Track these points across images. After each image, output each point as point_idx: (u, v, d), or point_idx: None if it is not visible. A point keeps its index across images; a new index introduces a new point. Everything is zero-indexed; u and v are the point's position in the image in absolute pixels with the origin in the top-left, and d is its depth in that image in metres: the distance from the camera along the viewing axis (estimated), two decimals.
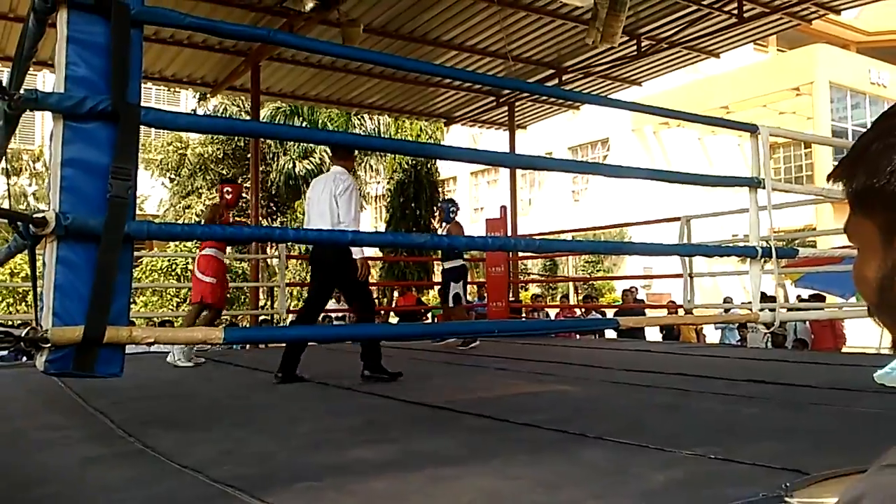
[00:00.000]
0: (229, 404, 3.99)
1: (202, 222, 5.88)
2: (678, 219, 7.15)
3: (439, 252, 8.29)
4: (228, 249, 6.46)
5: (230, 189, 6.20)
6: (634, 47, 9.89)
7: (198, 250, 6.15)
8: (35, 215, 1.74)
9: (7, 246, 2.12)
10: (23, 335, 1.71)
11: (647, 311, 11.05)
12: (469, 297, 14.97)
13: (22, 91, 1.75)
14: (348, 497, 1.96)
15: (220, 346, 5.75)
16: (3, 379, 4.99)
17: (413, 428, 3.05)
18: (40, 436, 2.97)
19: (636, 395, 3.89)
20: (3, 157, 2.28)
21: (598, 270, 22.61)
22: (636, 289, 11.95)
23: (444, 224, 7.10)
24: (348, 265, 4.51)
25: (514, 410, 3.28)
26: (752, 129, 3.38)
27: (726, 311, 8.65)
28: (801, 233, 13.42)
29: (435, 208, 17.56)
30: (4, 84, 1.76)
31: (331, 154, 5.06)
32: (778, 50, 23.28)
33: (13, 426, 3.22)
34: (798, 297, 9.08)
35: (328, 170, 5.03)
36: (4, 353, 6.47)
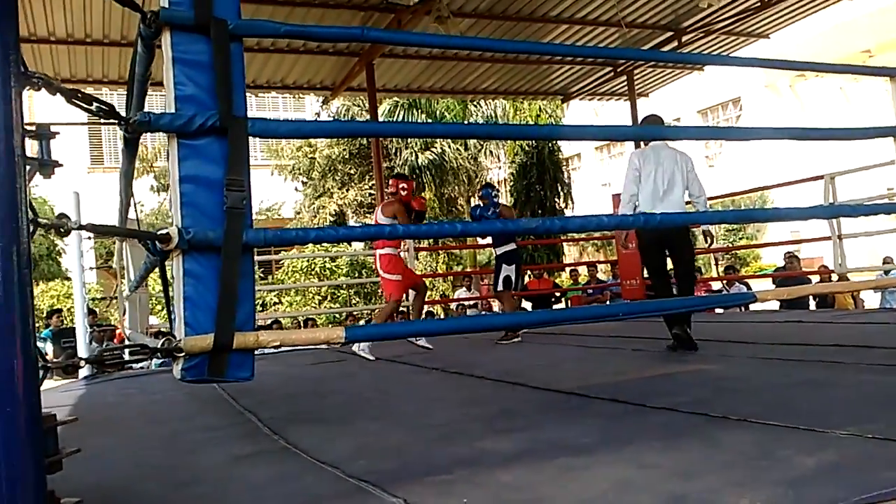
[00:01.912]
0: (369, 398, 4.09)
1: (385, 217, 6.04)
2: (822, 177, 6.65)
3: (564, 234, 8.08)
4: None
5: (405, 185, 6.27)
6: None
7: (374, 250, 6.44)
8: (159, 232, 1.83)
9: (144, 263, 2.25)
10: (158, 346, 1.80)
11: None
12: (604, 276, 14.74)
13: (136, 115, 1.84)
14: (477, 489, 1.94)
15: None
16: (164, 384, 5.37)
17: (545, 416, 3.00)
18: (194, 437, 3.16)
19: (784, 371, 3.63)
20: (132, 178, 2.43)
21: (740, 239, 21.52)
22: (795, 254, 10.97)
23: (492, 211, 6.64)
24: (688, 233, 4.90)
25: (651, 393, 3.15)
26: (891, 72, 3.05)
27: (886, 272, 7.95)
28: None
29: (560, 189, 17.32)
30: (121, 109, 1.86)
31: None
32: None
33: (171, 428, 3.44)
34: None
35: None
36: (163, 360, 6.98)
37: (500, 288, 6.78)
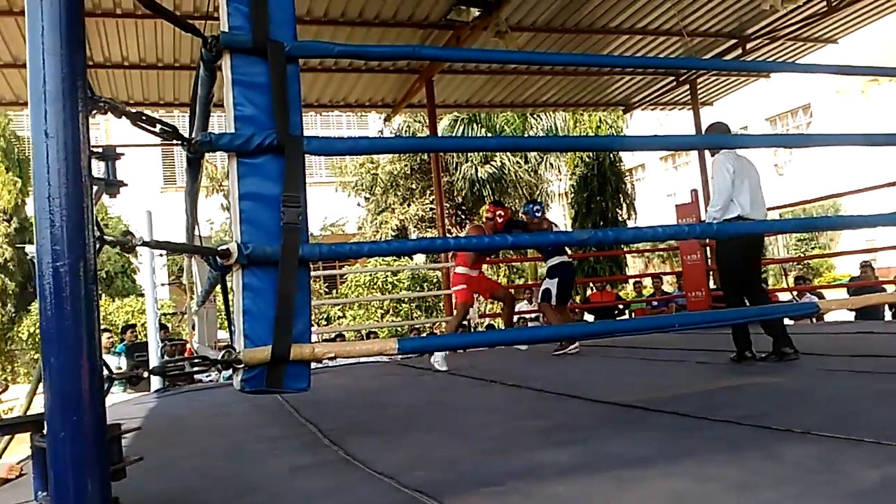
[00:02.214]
0: (426, 409, 4.12)
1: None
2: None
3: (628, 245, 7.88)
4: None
5: (502, 213, 6.34)
6: (824, 2, 8.99)
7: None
8: (220, 248, 1.90)
9: (208, 278, 2.33)
10: (219, 358, 1.87)
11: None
12: (670, 288, 14.45)
13: (198, 136, 1.92)
14: (530, 501, 1.95)
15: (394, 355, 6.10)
16: (231, 396, 5.52)
17: (602, 428, 2.97)
18: (256, 447, 3.24)
19: (852, 384, 3.51)
20: (197, 197, 2.53)
21: (812, 248, 20.82)
22: (870, 263, 10.51)
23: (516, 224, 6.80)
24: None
25: (713, 406, 3.09)
26: None
27: None
28: None
29: (623, 200, 17.08)
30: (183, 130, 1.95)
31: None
32: None
33: (233, 439, 3.55)
34: None
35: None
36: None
37: (539, 300, 6.85)
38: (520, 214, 7.51)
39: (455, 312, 6.53)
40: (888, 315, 9.05)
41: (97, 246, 1.58)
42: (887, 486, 1.73)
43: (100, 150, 1.69)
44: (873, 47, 16.72)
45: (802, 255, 18.90)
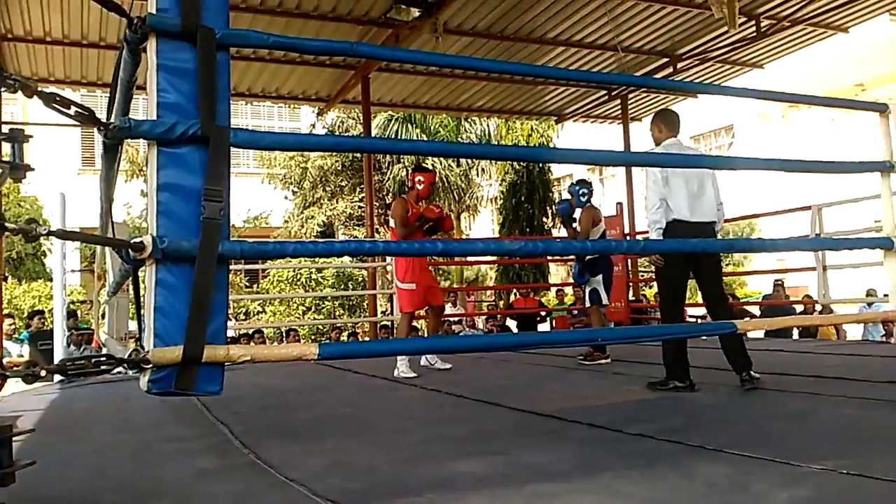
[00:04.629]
0: (344, 413, 4.05)
1: (391, 217, 5.57)
2: (810, 208, 6.68)
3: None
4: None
5: (422, 178, 5.51)
6: (754, 28, 9.35)
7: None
8: (133, 240, 1.80)
9: (119, 269, 2.21)
10: (125, 357, 1.76)
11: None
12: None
13: (117, 121, 1.81)
14: None
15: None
16: (139, 391, 5.29)
17: (519, 438, 2.98)
18: (163, 448, 3.11)
19: (763, 401, 3.63)
20: (113, 184, 2.40)
21: (726, 265, 21.61)
22: (782, 283, 10.93)
23: (577, 209, 6.01)
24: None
25: (628, 419, 3.14)
26: (880, 108, 3.08)
27: (869, 304, 7.99)
28: None
29: (548, 208, 17.31)
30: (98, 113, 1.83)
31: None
32: None
33: (138, 438, 3.39)
34: None
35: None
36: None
37: (587, 304, 6.02)
38: (563, 194, 6.39)
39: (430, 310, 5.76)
40: (795, 333, 9.46)
41: None
42: None
43: (6, 132, 1.57)
44: (792, 74, 17.47)
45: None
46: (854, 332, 10.74)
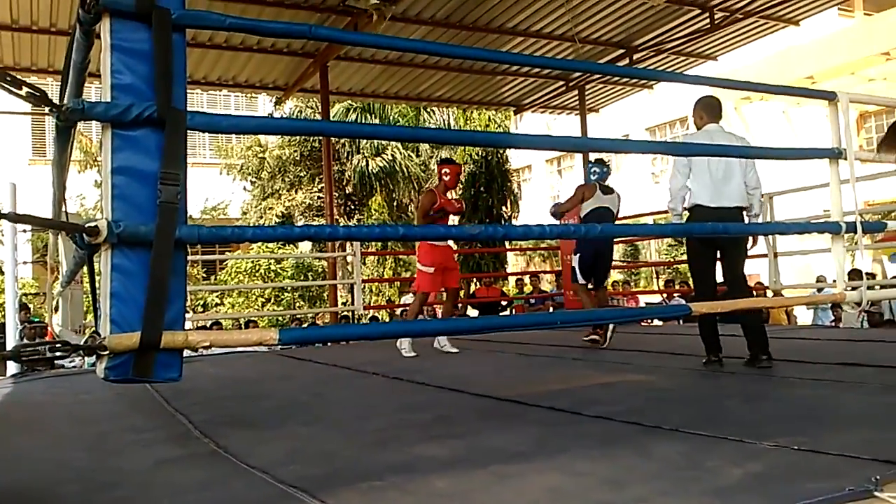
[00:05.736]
0: (305, 402, 4.03)
1: (418, 209, 5.73)
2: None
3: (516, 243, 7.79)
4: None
5: (448, 170, 5.72)
6: (707, 20, 9.51)
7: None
8: (88, 224, 1.76)
9: (73, 257, 2.17)
10: (81, 343, 1.73)
11: None
12: (549, 286, 14.89)
13: (69, 103, 1.77)
14: (409, 496, 1.93)
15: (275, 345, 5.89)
16: (95, 383, 5.19)
17: (481, 423, 3.00)
18: (121, 438, 3.06)
19: (718, 383, 3.72)
20: (65, 169, 2.35)
21: (682, 253, 21.99)
22: None
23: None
24: None
25: (587, 402, 3.18)
26: (829, 96, 3.16)
27: (819, 290, 8.22)
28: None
29: (507, 198, 17.40)
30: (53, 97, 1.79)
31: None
32: (864, 13, 21.93)
33: (95, 429, 3.33)
34: None
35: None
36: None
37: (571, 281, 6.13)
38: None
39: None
40: None
41: None
42: (747, 482, 1.83)
43: None
44: (744, 67, 17.81)
45: (672, 260, 19.93)
46: (805, 318, 11.04)
